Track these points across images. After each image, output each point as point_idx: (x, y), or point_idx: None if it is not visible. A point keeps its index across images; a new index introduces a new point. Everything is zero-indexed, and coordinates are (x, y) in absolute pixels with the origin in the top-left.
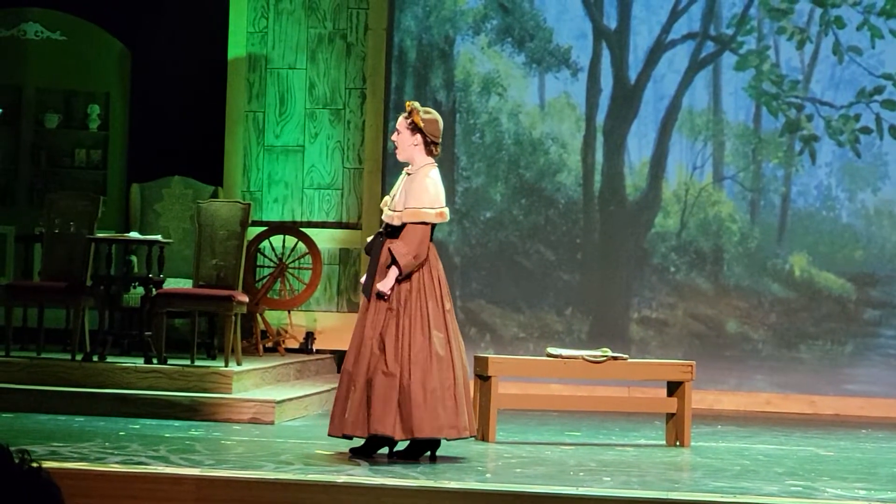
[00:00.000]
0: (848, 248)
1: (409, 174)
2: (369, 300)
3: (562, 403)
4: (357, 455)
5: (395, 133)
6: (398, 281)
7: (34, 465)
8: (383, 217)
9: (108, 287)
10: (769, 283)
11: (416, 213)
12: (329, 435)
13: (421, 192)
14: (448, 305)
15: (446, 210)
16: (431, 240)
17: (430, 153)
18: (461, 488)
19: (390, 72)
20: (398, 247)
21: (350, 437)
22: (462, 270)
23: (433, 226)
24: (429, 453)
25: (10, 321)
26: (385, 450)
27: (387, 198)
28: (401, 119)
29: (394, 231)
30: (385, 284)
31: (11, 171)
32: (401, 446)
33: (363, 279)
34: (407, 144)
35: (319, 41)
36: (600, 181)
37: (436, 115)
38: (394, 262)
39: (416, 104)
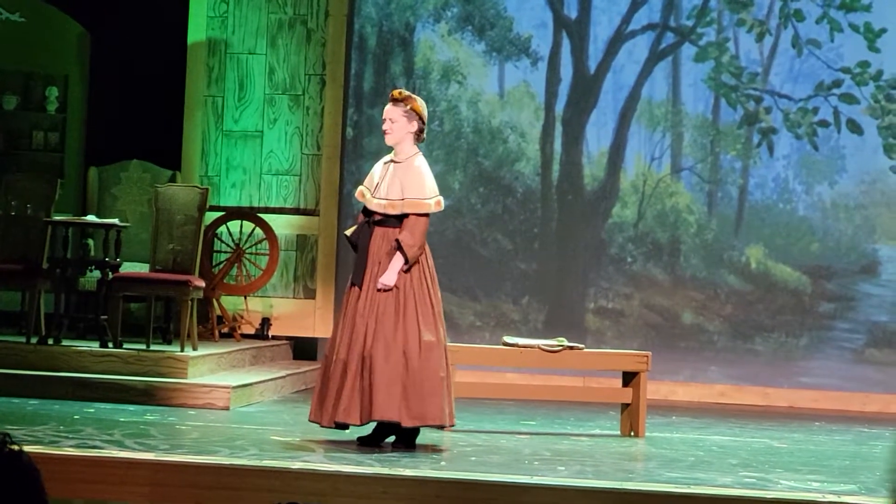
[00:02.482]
0: (804, 240)
1: (395, 162)
2: (360, 288)
3: (517, 392)
4: (365, 444)
5: (389, 122)
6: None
7: (14, 448)
8: (372, 207)
9: (65, 270)
10: (725, 275)
11: (418, 204)
12: (314, 422)
13: (420, 183)
14: (439, 295)
15: (441, 199)
16: None
17: (417, 140)
18: (416, 476)
19: (350, 58)
20: (407, 238)
21: (345, 427)
22: None
23: None
24: (392, 438)
25: None
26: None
27: (363, 188)
28: (392, 107)
29: (384, 220)
30: (390, 278)
31: None
32: (363, 430)
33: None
34: (403, 133)
35: (279, 27)
36: (558, 171)
37: (422, 100)
38: (400, 252)
39: (406, 91)
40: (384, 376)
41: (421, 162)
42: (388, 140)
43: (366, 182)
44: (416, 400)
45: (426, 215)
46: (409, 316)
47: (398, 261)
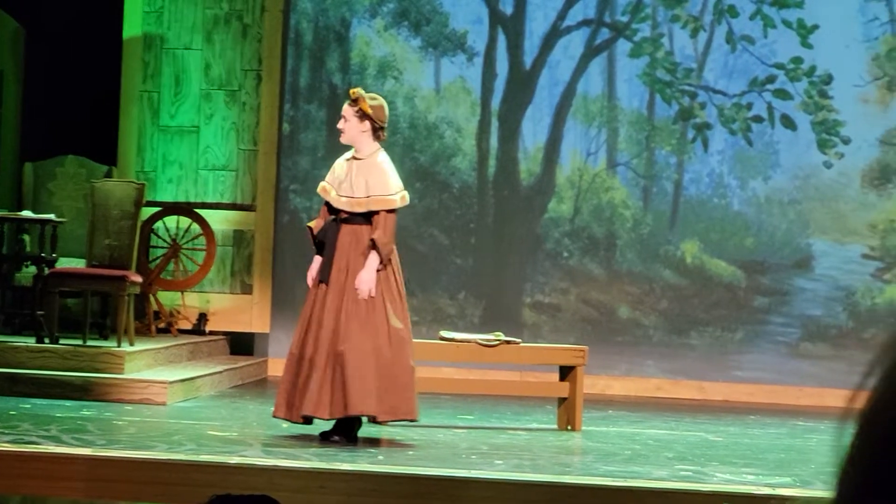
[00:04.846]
0: (739, 235)
1: (357, 159)
2: (328, 284)
3: (454, 387)
4: (327, 438)
5: (342, 120)
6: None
7: None
8: (339, 205)
9: (0, 266)
10: (661, 270)
11: (385, 201)
12: (280, 418)
13: (384, 180)
14: (403, 288)
15: (406, 194)
16: None
17: (377, 139)
18: (353, 470)
19: (286, 54)
20: (380, 237)
21: (310, 421)
22: None
23: None
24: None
25: None
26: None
27: (326, 185)
28: (346, 106)
29: (350, 218)
30: (369, 279)
31: None
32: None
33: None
34: (355, 132)
35: (216, 22)
36: (495, 166)
37: (381, 100)
38: (375, 251)
39: (361, 91)
40: (358, 371)
41: (383, 158)
42: (342, 139)
43: (328, 178)
44: (390, 394)
45: (394, 211)
46: (378, 309)
47: (374, 260)
